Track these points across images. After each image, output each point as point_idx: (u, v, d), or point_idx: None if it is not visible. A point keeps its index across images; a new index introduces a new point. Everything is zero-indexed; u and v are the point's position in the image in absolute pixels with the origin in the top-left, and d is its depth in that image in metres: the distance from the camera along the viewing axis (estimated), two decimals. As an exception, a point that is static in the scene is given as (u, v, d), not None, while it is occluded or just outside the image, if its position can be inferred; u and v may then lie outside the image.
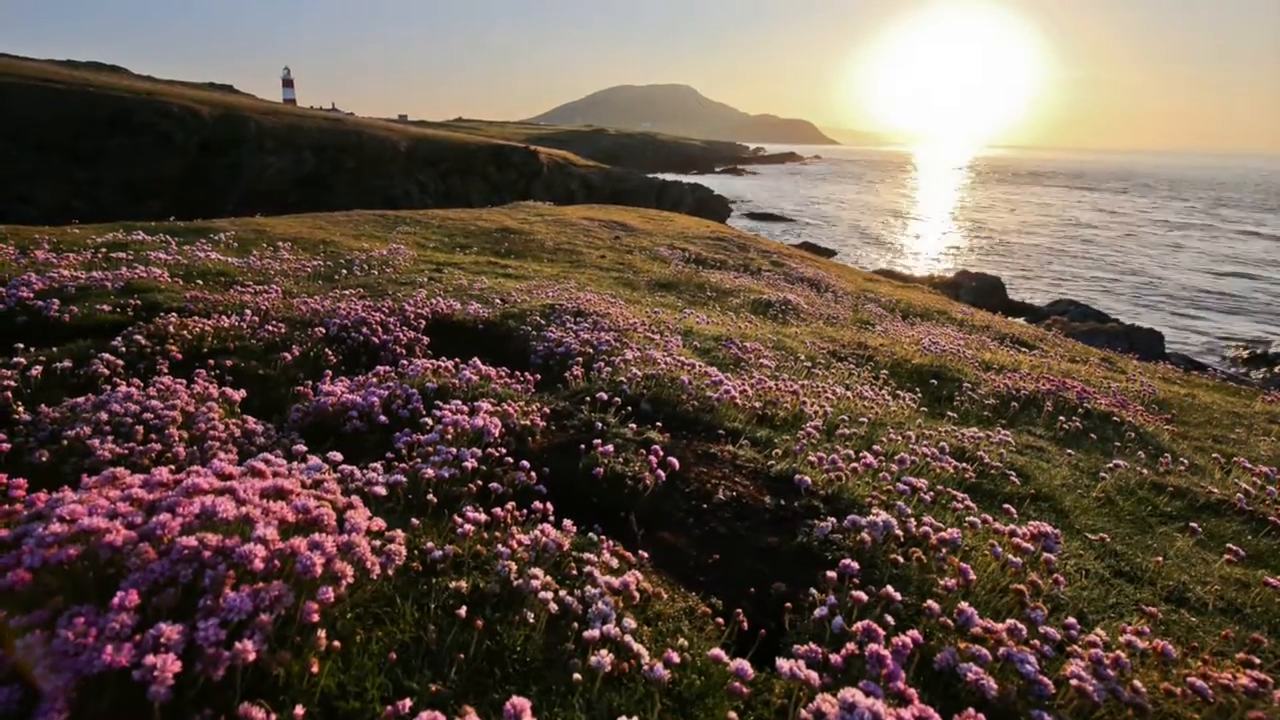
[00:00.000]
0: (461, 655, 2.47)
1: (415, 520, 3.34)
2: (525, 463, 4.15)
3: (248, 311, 7.27)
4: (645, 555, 3.50)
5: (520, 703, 2.01)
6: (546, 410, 5.32)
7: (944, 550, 3.54)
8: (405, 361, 6.26)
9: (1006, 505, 4.58)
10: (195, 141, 43.44)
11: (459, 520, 3.21)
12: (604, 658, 2.38)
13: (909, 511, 3.95)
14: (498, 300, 9.78)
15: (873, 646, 2.47)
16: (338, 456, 3.66)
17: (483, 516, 3.29)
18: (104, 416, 4.25)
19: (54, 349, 6.01)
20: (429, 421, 4.49)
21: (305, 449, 4.02)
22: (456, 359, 6.13)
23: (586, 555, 3.19)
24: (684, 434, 5.41)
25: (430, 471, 3.73)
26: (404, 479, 3.60)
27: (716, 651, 2.56)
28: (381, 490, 3.37)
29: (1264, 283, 51.70)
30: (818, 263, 26.27)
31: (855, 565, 3.14)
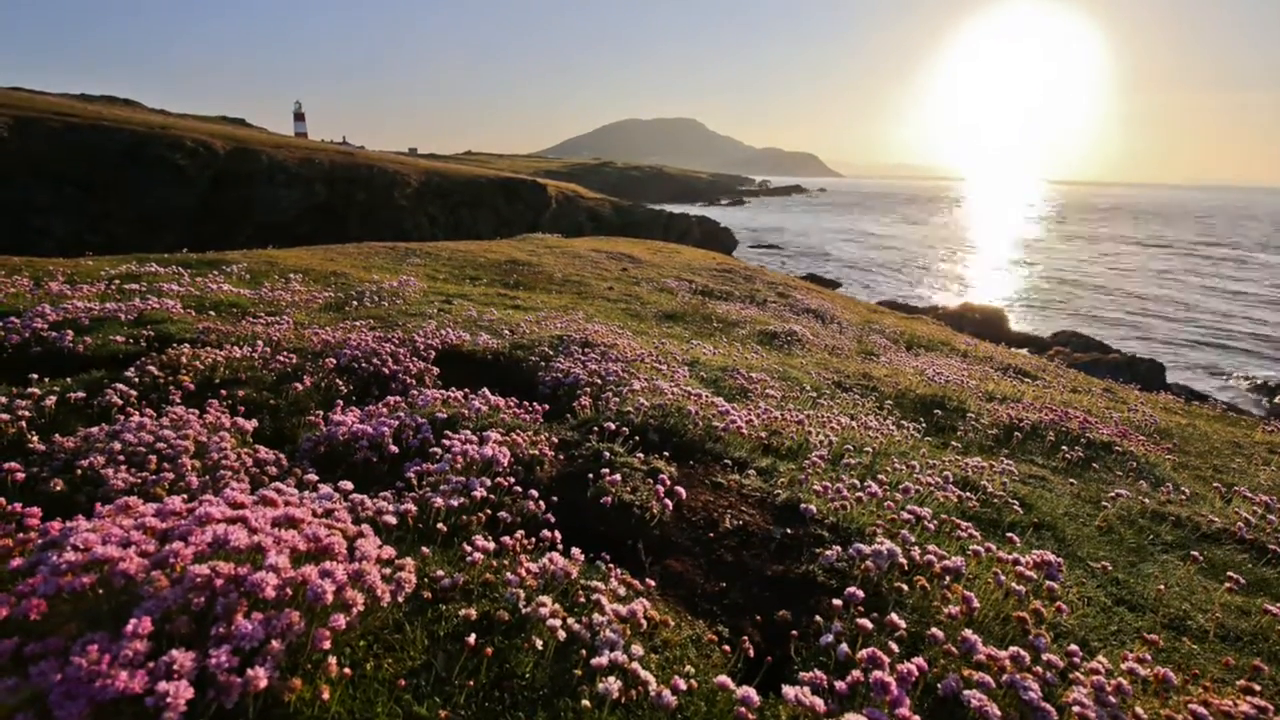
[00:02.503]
0: (470, 682, 2.50)
1: (425, 549, 3.38)
2: (534, 492, 4.20)
3: (259, 342, 7.36)
4: (652, 583, 3.52)
5: (529, 727, 2.05)
6: (555, 440, 5.37)
7: (948, 578, 3.56)
8: (415, 392, 6.33)
9: (1010, 534, 4.61)
10: (208, 174, 44.02)
11: (468, 549, 3.24)
12: (611, 684, 2.41)
13: (913, 540, 3.98)
14: (507, 331, 9.85)
15: (877, 673, 2.50)
16: (348, 485, 3.72)
17: (492, 545, 3.33)
18: (117, 446, 4.29)
19: (68, 379, 6.08)
20: (438, 451, 4.54)
21: (316, 478, 4.08)
22: (466, 389, 6.19)
23: (594, 583, 3.22)
24: (691, 463, 5.45)
25: (440, 501, 3.78)
26: (414, 508, 3.65)
27: (723, 678, 2.58)
28: (391, 519, 3.42)
29: None
30: (822, 294, 26.38)
31: (860, 593, 3.17)
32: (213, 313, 9.15)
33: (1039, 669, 2.84)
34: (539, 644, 2.69)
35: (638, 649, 2.68)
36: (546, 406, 6.31)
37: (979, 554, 3.88)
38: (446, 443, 4.59)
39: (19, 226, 36.21)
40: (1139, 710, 2.66)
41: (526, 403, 6.19)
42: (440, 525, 3.63)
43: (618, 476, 4.52)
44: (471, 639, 2.61)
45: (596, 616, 2.86)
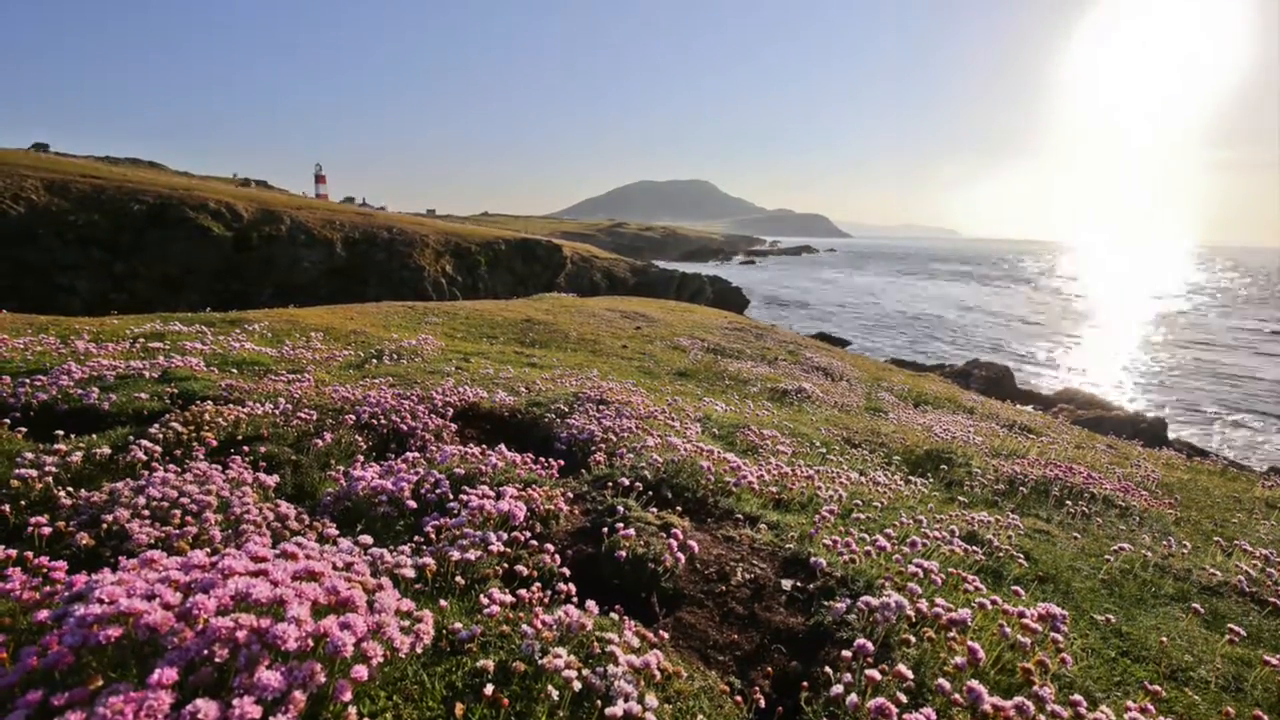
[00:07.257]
0: (488, 730, 2.56)
1: (443, 601, 3.46)
2: (549, 545, 4.28)
3: (281, 399, 7.50)
4: (665, 635, 3.58)
5: (547, 772, 2.10)
6: (570, 494, 5.46)
7: (954, 630, 3.60)
8: (434, 448, 6.45)
9: (1015, 587, 4.64)
10: (230, 235, 44.97)
11: (485, 601, 3.32)
12: (626, 733, 2.47)
13: (920, 592, 4.02)
14: (523, 389, 9.98)
15: (885, 723, 2.55)
16: (368, 540, 3.80)
17: (508, 598, 3.40)
18: (142, 501, 4.36)
19: (94, 436, 6.20)
20: (456, 506, 4.64)
21: (336, 532, 4.18)
22: (483, 445, 6.32)
23: (609, 635, 3.27)
24: (703, 517, 5.52)
25: (457, 554, 3.86)
26: (432, 561, 3.72)
27: (734, 728, 2.63)
28: (410, 572, 3.51)
29: None
30: (832, 352, 26.50)
31: (869, 645, 3.21)
32: (235, 370, 9.34)
33: (1043, 719, 2.88)
34: (555, 694, 2.74)
35: (651, 699, 2.73)
36: (562, 462, 6.41)
37: (985, 606, 3.92)
38: (464, 497, 4.67)
39: (46, 286, 37.07)
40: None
41: (542, 458, 6.29)
42: (458, 578, 3.71)
43: (632, 531, 4.59)
44: (489, 690, 2.67)
45: (611, 667, 2.91)
